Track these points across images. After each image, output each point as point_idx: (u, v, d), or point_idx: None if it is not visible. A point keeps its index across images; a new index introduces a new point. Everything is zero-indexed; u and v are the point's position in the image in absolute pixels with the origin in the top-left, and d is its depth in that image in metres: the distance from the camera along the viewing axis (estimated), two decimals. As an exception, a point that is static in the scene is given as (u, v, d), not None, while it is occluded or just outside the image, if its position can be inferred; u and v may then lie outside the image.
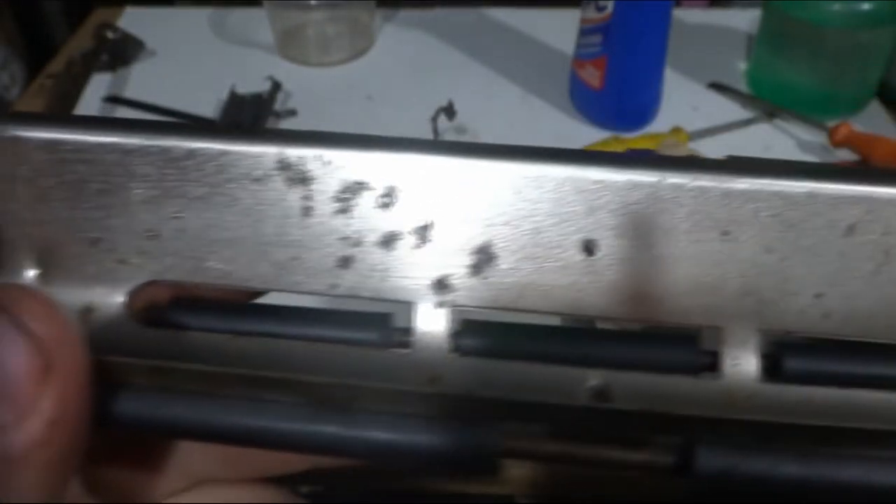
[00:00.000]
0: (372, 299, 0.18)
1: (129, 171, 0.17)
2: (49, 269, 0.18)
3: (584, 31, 0.65)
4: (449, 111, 0.63)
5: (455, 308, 0.17)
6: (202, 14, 0.83)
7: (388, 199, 0.17)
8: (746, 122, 0.67)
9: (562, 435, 0.17)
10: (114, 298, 0.18)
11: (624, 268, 0.17)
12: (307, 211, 0.17)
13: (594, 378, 0.17)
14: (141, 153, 0.17)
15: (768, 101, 0.68)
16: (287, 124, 0.67)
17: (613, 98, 0.65)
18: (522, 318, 0.18)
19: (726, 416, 0.16)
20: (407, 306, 0.17)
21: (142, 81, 0.73)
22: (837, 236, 0.16)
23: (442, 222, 0.17)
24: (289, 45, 0.76)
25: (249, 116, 0.64)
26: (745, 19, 0.80)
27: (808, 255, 0.16)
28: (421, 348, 0.17)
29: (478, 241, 0.17)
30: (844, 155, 0.62)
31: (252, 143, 0.17)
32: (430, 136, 0.62)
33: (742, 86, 0.72)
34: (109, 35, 0.73)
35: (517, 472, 0.40)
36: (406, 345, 0.17)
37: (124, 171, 0.17)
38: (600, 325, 0.18)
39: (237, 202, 0.17)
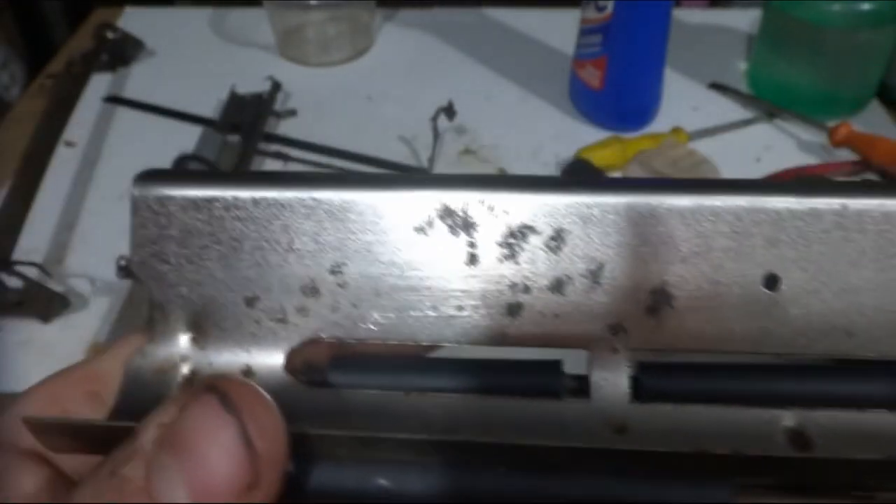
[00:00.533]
0: (544, 347, 0.17)
1: (286, 226, 0.17)
2: (203, 331, 0.17)
3: (584, 31, 0.64)
4: (449, 111, 0.63)
5: (632, 352, 0.17)
6: (202, 14, 0.83)
7: (556, 242, 0.16)
8: (746, 122, 0.67)
9: (788, 487, 0.16)
10: (273, 359, 0.17)
11: (810, 301, 0.16)
12: (472, 259, 0.17)
13: (789, 419, 0.16)
14: (298, 206, 0.17)
15: (768, 101, 0.68)
16: (287, 124, 0.68)
17: (613, 98, 0.65)
18: (701, 358, 0.17)
19: None
20: (581, 354, 0.17)
21: (142, 81, 0.73)
22: None
23: (614, 263, 0.16)
24: (289, 45, 0.76)
25: (249, 116, 0.64)
26: (745, 19, 0.80)
27: None
28: (600, 397, 0.16)
29: (653, 281, 0.16)
30: (844, 155, 0.62)
31: (411, 189, 0.17)
32: (429, 135, 0.62)
33: (742, 86, 0.72)
34: (109, 35, 0.73)
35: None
36: (584, 392, 0.17)
37: (281, 226, 0.17)
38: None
39: (405, 252, 0.17)
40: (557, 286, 0.17)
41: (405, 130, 0.66)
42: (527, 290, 0.17)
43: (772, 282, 0.16)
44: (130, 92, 0.71)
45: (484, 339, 0.17)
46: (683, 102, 0.69)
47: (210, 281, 0.17)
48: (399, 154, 0.63)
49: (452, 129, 0.65)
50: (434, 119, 0.62)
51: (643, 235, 0.16)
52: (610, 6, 0.60)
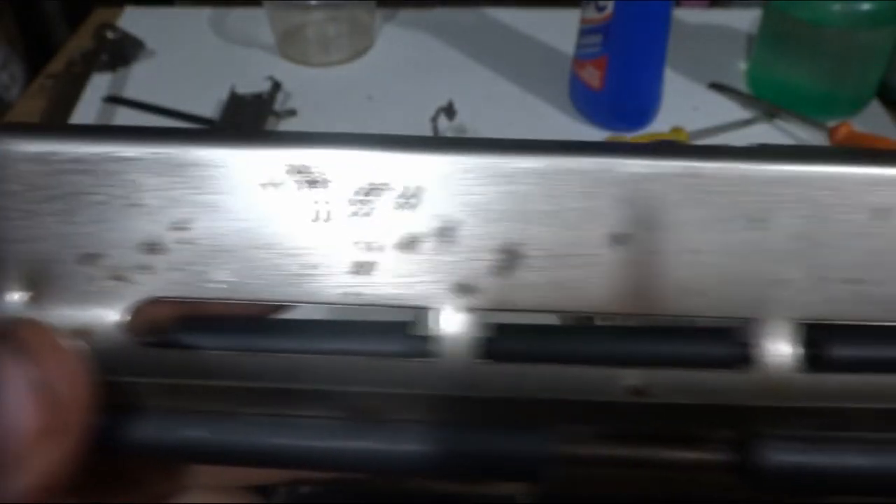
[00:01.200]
0: (393, 307, 0.17)
1: (130, 181, 0.16)
2: (40, 289, 0.17)
3: (584, 31, 0.65)
4: (449, 111, 0.63)
5: (481, 311, 0.16)
6: (202, 14, 0.83)
7: (408, 200, 0.16)
8: (746, 122, 0.67)
9: (612, 436, 0.16)
10: (112, 318, 0.17)
11: (654, 262, 0.16)
12: (321, 216, 0.16)
13: (631, 378, 0.16)
14: (143, 162, 0.16)
15: (768, 101, 0.68)
16: (287, 124, 0.68)
17: (613, 98, 0.65)
18: (552, 318, 0.17)
19: (777, 407, 0.16)
20: (434, 312, 0.16)
21: (142, 81, 0.73)
22: (869, 220, 0.16)
23: (464, 223, 0.16)
24: (289, 45, 0.76)
25: (249, 116, 0.64)
26: (745, 19, 0.80)
27: (841, 240, 0.16)
28: (447, 356, 0.16)
29: (502, 240, 0.16)
30: (844, 155, 0.62)
31: (262, 146, 0.16)
32: (429, 135, 0.62)
33: (742, 86, 0.72)
34: (109, 35, 0.73)
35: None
36: (431, 353, 0.17)
37: (124, 181, 0.16)
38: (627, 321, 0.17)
39: (246, 210, 0.16)
40: (409, 245, 0.16)
41: (405, 130, 0.65)
42: (378, 248, 0.16)
43: (618, 242, 0.16)
44: (130, 92, 0.71)
45: (333, 299, 0.16)
46: (683, 102, 0.69)
47: (49, 237, 0.16)
48: (399, 154, 0.63)
49: (452, 129, 0.65)
50: (434, 119, 0.62)
51: (497, 195, 0.16)
52: (610, 6, 0.60)
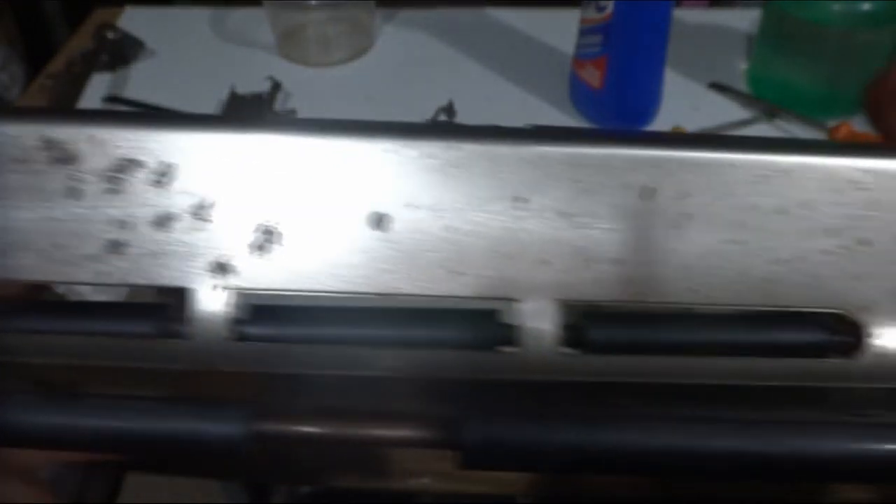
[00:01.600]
0: (144, 287, 0.16)
1: None
2: None
3: (584, 31, 0.65)
4: (449, 111, 0.63)
5: (236, 291, 0.16)
6: (202, 14, 0.83)
7: (163, 177, 0.16)
8: (746, 122, 0.67)
9: (326, 413, 0.16)
10: None
11: (417, 242, 0.16)
12: (72, 192, 0.16)
13: (386, 360, 0.16)
14: None
15: (768, 101, 0.68)
16: (287, 124, 0.68)
17: (613, 98, 0.65)
18: (312, 298, 0.17)
19: (516, 386, 0.16)
20: (191, 292, 0.16)
21: (142, 81, 0.73)
22: (634, 201, 0.16)
23: (221, 201, 0.16)
24: (289, 45, 0.76)
25: (249, 116, 0.64)
26: (745, 19, 0.80)
27: (605, 221, 0.16)
28: (198, 336, 0.16)
29: (259, 219, 0.16)
30: (844, 155, 0.62)
31: (13, 121, 0.16)
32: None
33: (742, 86, 0.72)
34: (109, 35, 0.73)
35: (517, 473, 0.40)
36: (182, 334, 0.16)
37: None
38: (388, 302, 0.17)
39: (4, 186, 0.16)
40: (161, 223, 0.16)
41: (405, 130, 0.66)
42: (129, 226, 0.16)
43: (380, 221, 0.16)
44: (130, 92, 0.71)
45: (86, 278, 0.16)
46: (683, 102, 0.69)
47: None
48: (399, 154, 0.63)
49: (452, 129, 0.66)
50: (434, 119, 0.62)
51: (251, 172, 0.16)
52: (610, 6, 0.60)
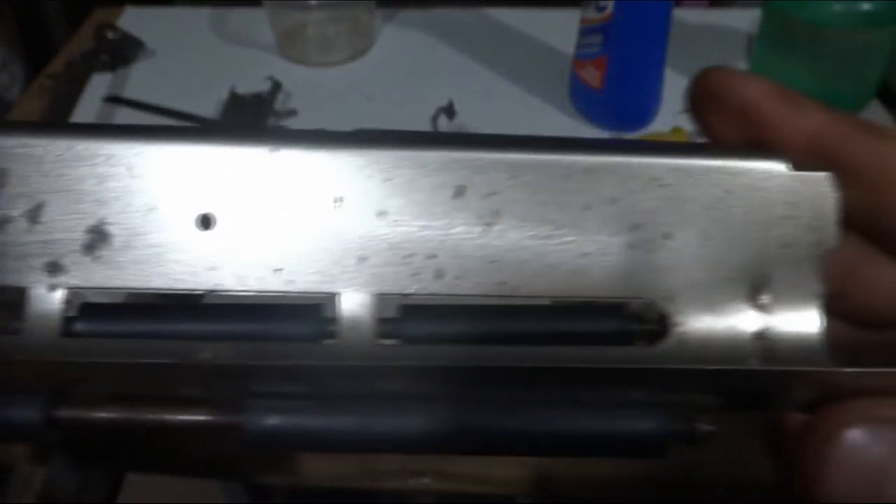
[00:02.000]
0: None
1: None
2: None
3: (584, 31, 0.65)
4: (449, 111, 0.63)
5: (71, 290, 0.17)
6: (202, 14, 0.83)
7: None
8: (746, 122, 0.67)
9: (119, 399, 0.17)
10: None
11: (242, 241, 0.17)
12: None
13: (207, 352, 0.17)
14: None
15: (768, 101, 0.68)
16: (287, 124, 0.68)
17: (613, 98, 0.65)
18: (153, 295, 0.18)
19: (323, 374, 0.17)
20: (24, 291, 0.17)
21: (142, 81, 0.73)
22: (447, 198, 0.17)
23: (52, 202, 0.17)
24: (289, 45, 0.76)
25: (249, 116, 0.64)
26: (745, 19, 0.80)
27: (419, 218, 0.17)
28: (32, 333, 0.17)
29: (90, 220, 0.17)
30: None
31: None
32: (429, 136, 0.62)
33: (742, 86, 0.72)
34: (109, 35, 0.73)
35: (517, 473, 0.41)
36: (16, 330, 0.17)
37: None
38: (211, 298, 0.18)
39: None
40: None
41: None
42: None
43: (206, 221, 0.17)
44: (130, 92, 0.71)
45: None
46: (684, 102, 0.69)
47: None
48: (399, 154, 0.63)
49: (453, 129, 0.65)
50: (434, 119, 0.62)
51: (80, 175, 0.17)
52: (610, 6, 0.60)
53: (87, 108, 0.68)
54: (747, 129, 0.18)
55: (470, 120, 0.66)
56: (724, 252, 0.18)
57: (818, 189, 0.18)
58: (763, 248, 0.18)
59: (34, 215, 0.17)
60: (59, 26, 1.09)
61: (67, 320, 0.17)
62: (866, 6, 0.61)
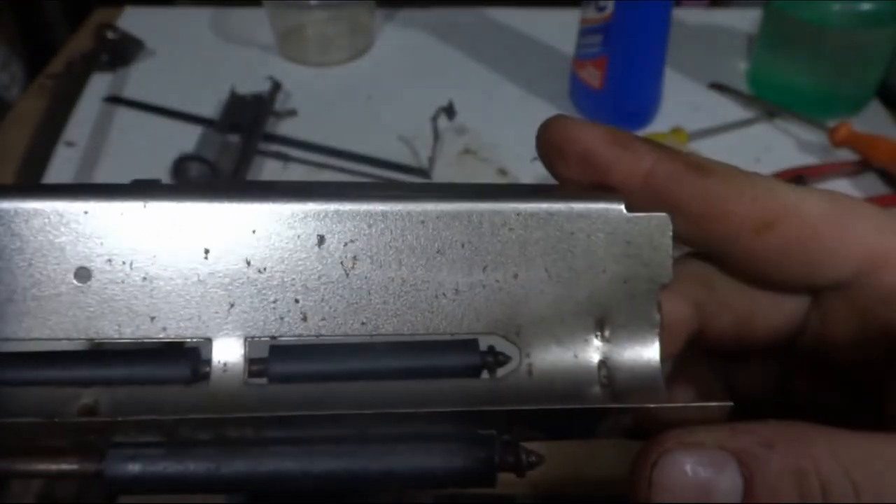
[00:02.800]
0: None
1: None
2: None
3: (584, 31, 0.65)
4: (449, 111, 0.63)
5: None
6: (202, 14, 0.83)
7: None
8: (746, 122, 0.67)
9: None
10: None
11: (118, 291, 0.18)
12: None
13: (86, 397, 0.18)
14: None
15: (768, 101, 0.68)
16: (287, 124, 0.68)
17: (613, 98, 0.65)
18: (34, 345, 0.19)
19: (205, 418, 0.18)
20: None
21: (142, 81, 0.73)
22: (310, 246, 0.19)
23: None
24: (289, 45, 0.76)
25: (249, 116, 0.64)
26: (745, 19, 0.80)
27: (286, 265, 0.19)
28: None
29: None
30: (845, 155, 0.62)
31: None
32: (429, 135, 0.62)
33: (742, 86, 0.72)
34: (109, 35, 0.73)
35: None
36: None
37: None
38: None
39: None
40: None
41: (405, 130, 0.66)
42: None
43: (83, 275, 0.18)
44: (130, 92, 0.71)
45: None
46: (683, 102, 0.69)
47: None
48: (399, 154, 0.63)
49: (452, 129, 0.65)
50: (434, 119, 0.62)
51: None
52: (610, 6, 0.60)
53: (87, 108, 0.68)
54: (590, 174, 0.20)
55: (470, 120, 0.66)
56: (567, 289, 0.19)
57: (653, 227, 0.19)
58: (604, 284, 0.19)
59: None
60: (59, 26, 1.09)
61: None
62: (866, 6, 0.61)
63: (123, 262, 0.18)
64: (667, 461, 0.17)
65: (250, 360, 0.19)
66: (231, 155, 0.61)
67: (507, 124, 0.67)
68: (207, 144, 0.61)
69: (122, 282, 0.18)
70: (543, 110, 0.69)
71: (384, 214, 0.19)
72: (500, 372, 0.20)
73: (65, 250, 0.18)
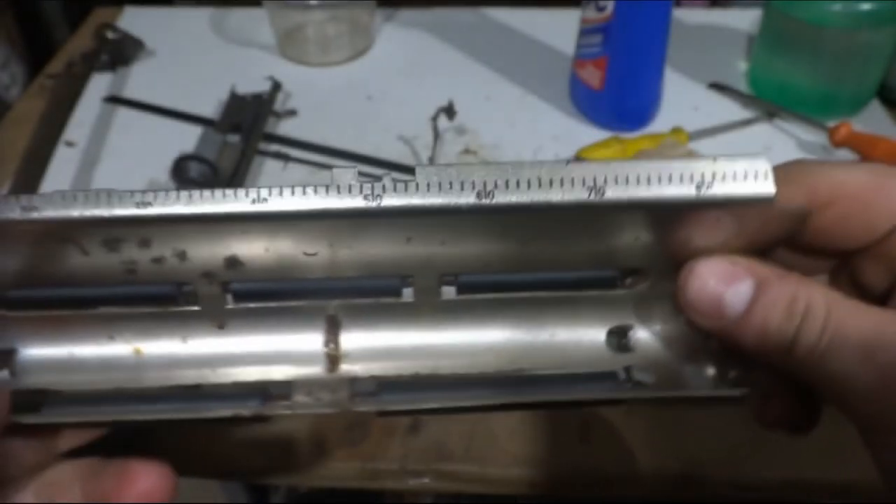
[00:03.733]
0: None
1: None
2: None
3: (584, 31, 0.65)
4: (449, 111, 0.63)
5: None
6: (202, 14, 0.83)
7: None
8: (746, 122, 0.67)
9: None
10: None
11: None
12: None
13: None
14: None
15: (768, 101, 0.68)
16: (287, 124, 0.68)
17: (613, 98, 0.65)
18: None
19: None
20: None
21: (142, 81, 0.73)
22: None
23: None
24: (289, 45, 0.76)
25: (249, 116, 0.64)
26: (745, 19, 0.80)
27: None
28: None
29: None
30: (845, 155, 0.62)
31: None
32: (429, 135, 0.62)
33: (742, 86, 0.72)
34: (109, 35, 0.73)
35: (517, 473, 0.41)
36: None
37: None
38: None
39: None
40: None
41: (405, 130, 0.66)
42: None
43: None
44: (130, 92, 0.71)
45: None
46: (683, 102, 0.69)
47: None
48: (399, 154, 0.63)
49: (452, 129, 0.65)
50: (434, 119, 0.62)
51: None
52: (610, 6, 0.60)
53: (87, 108, 0.68)
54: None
55: (470, 120, 0.66)
56: None
57: None
58: None
59: None
60: (59, 26, 1.08)
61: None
62: (866, 6, 0.61)
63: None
64: (697, 271, 0.22)
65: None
66: (231, 155, 0.61)
67: (507, 124, 0.67)
68: (207, 144, 0.61)
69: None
70: (543, 110, 0.69)
71: None
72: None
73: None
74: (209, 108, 0.68)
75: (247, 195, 0.20)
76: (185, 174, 0.56)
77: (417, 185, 0.20)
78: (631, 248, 0.23)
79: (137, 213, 0.20)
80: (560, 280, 0.24)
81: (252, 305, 0.23)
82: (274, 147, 0.64)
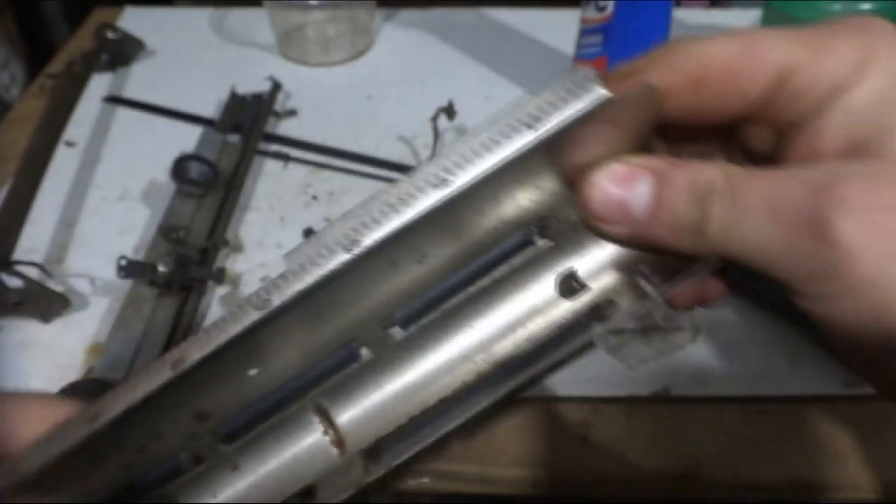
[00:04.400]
0: None
1: None
2: None
3: (584, 32, 0.64)
4: (449, 111, 0.63)
5: None
6: (202, 14, 0.83)
7: None
8: (746, 122, 0.67)
9: None
10: None
11: None
12: None
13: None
14: None
15: (768, 101, 0.68)
16: (287, 124, 0.68)
17: (613, 98, 0.65)
18: None
19: None
20: None
21: (142, 81, 0.73)
22: None
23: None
24: (289, 45, 0.76)
25: (249, 116, 0.64)
26: (745, 19, 0.80)
27: None
28: None
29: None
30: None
31: None
32: (429, 135, 0.62)
33: (742, 86, 0.71)
34: (109, 35, 0.73)
35: (518, 473, 0.41)
36: None
37: None
38: None
39: None
40: None
41: (405, 130, 0.66)
42: None
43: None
44: (130, 92, 0.71)
45: None
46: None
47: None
48: (399, 154, 0.63)
49: (452, 129, 0.65)
50: (434, 119, 0.62)
51: None
52: (610, 6, 0.60)
53: (88, 108, 0.68)
54: None
55: (470, 120, 0.66)
56: None
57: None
58: None
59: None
60: (59, 26, 1.09)
61: None
62: (866, 6, 0.61)
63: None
64: (590, 182, 0.22)
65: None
66: (231, 155, 0.61)
67: (507, 124, 0.67)
68: (207, 144, 0.61)
69: None
70: (543, 110, 0.69)
71: None
72: None
73: None
74: (209, 108, 0.68)
75: (165, 362, 0.21)
76: (186, 174, 0.56)
77: (291, 273, 0.21)
78: (526, 203, 0.23)
79: (92, 429, 0.21)
80: (484, 264, 0.24)
81: (248, 437, 0.24)
82: (274, 147, 0.64)
